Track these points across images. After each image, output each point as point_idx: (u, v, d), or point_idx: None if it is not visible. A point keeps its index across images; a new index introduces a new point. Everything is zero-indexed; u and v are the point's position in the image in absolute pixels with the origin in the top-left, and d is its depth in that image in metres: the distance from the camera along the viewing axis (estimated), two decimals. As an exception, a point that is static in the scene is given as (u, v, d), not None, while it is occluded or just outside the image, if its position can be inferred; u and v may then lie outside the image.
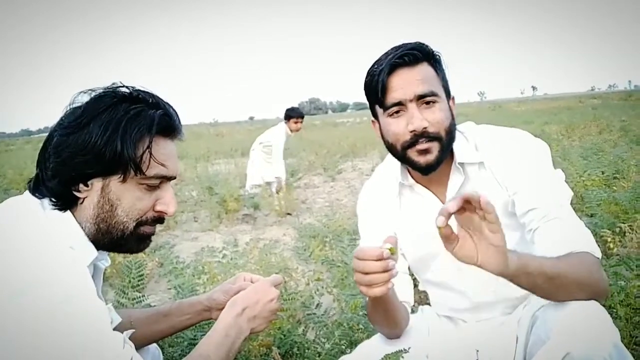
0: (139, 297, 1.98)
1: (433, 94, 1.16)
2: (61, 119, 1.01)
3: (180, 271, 2.55)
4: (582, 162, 5.29)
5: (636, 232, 2.89)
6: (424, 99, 1.16)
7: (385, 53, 1.19)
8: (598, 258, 1.07)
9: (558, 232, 1.09)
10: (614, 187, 4.36)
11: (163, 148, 1.03)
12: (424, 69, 1.18)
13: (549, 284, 1.00)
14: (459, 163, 1.22)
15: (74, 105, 1.03)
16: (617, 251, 2.69)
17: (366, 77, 1.21)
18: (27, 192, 1.03)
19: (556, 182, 1.17)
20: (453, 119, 1.21)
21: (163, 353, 1.46)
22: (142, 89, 1.04)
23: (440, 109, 1.17)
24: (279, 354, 1.71)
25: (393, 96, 1.17)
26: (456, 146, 1.23)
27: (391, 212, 1.32)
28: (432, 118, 1.16)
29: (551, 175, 1.18)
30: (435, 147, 1.17)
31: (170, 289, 2.89)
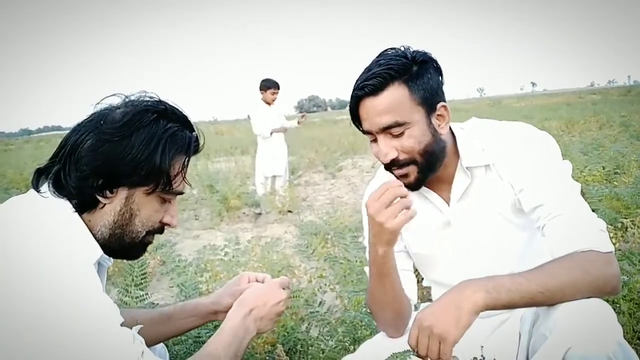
0: (142, 295, 1.98)
1: (397, 124, 1.11)
2: (98, 122, 1.01)
3: (182, 269, 2.55)
4: (582, 158, 5.30)
5: (638, 227, 2.90)
6: (389, 130, 1.13)
7: (367, 68, 1.15)
8: (606, 252, 1.04)
9: (561, 230, 1.07)
10: (615, 183, 4.37)
11: (188, 167, 1.08)
12: (390, 95, 1.11)
13: (533, 302, 1.02)
14: (466, 167, 1.20)
15: (104, 106, 1.05)
16: (619, 246, 2.70)
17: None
18: (31, 191, 1.03)
19: (561, 176, 1.14)
20: (434, 135, 1.15)
21: (168, 352, 1.46)
22: (171, 103, 1.08)
23: (410, 135, 1.12)
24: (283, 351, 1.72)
25: (364, 125, 1.16)
26: (462, 147, 1.21)
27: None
28: (400, 146, 1.13)
29: (556, 169, 1.15)
30: (412, 170, 1.16)
31: (172, 287, 2.89)
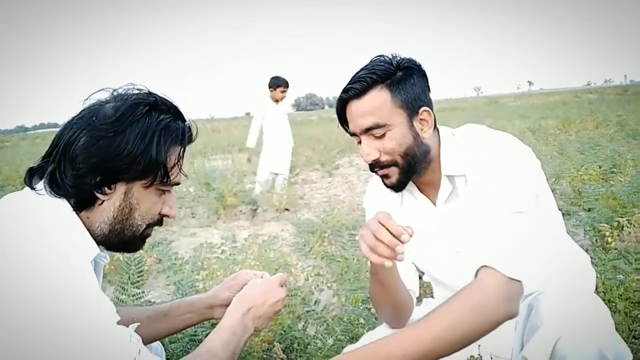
0: (139, 293, 1.97)
1: (378, 126, 1.15)
2: (90, 119, 1.00)
3: (179, 267, 2.54)
4: (579, 157, 5.32)
5: (634, 226, 2.91)
6: (371, 132, 1.16)
7: (355, 73, 1.19)
8: (510, 277, 1.02)
9: (485, 244, 1.07)
10: (611, 182, 4.38)
11: (184, 157, 1.08)
12: (372, 98, 1.15)
13: (432, 354, 0.98)
14: (445, 175, 1.22)
15: (93, 102, 1.04)
16: (615, 245, 2.71)
17: None
18: (27, 189, 1.02)
19: (527, 193, 1.12)
20: (416, 138, 1.17)
21: (165, 350, 1.46)
22: (160, 95, 1.07)
23: (392, 137, 1.16)
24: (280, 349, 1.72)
25: (349, 127, 1.21)
26: (444, 156, 1.22)
27: (393, 209, 1.32)
28: (382, 147, 1.17)
29: (525, 186, 1.12)
30: (393, 171, 1.19)
31: (169, 285, 2.88)
